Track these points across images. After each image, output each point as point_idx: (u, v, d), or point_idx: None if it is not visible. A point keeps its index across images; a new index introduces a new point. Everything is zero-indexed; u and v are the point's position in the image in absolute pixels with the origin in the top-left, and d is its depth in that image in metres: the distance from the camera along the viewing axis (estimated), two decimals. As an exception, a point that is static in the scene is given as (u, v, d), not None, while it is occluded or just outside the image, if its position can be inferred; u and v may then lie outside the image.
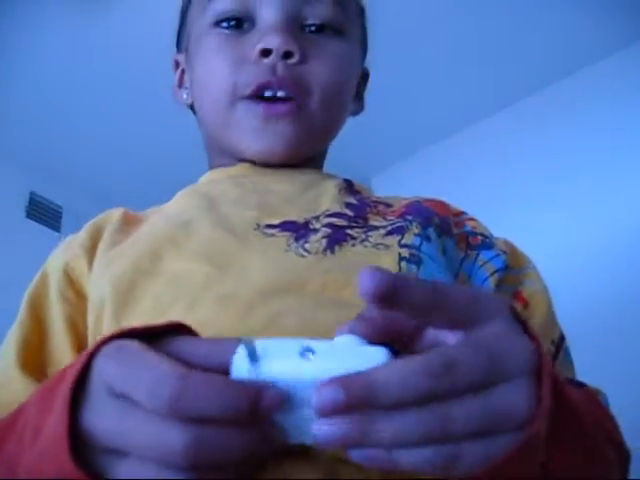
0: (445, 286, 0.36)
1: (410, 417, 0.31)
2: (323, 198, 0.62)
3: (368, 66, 0.78)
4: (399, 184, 2.88)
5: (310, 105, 0.65)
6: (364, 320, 0.37)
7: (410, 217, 0.59)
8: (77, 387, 0.36)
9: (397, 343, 0.37)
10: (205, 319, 0.48)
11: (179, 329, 0.39)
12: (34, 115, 2.67)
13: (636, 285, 2.07)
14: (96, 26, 2.30)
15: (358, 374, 0.32)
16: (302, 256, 0.53)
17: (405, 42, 2.40)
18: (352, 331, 0.37)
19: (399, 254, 0.54)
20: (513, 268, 0.62)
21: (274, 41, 0.63)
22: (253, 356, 0.34)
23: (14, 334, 0.57)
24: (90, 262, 0.59)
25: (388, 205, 0.63)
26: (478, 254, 0.61)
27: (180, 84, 0.77)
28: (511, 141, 2.64)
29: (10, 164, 2.86)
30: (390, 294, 0.33)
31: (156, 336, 0.38)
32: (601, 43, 2.44)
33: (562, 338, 0.61)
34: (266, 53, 0.64)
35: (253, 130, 0.65)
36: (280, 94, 0.64)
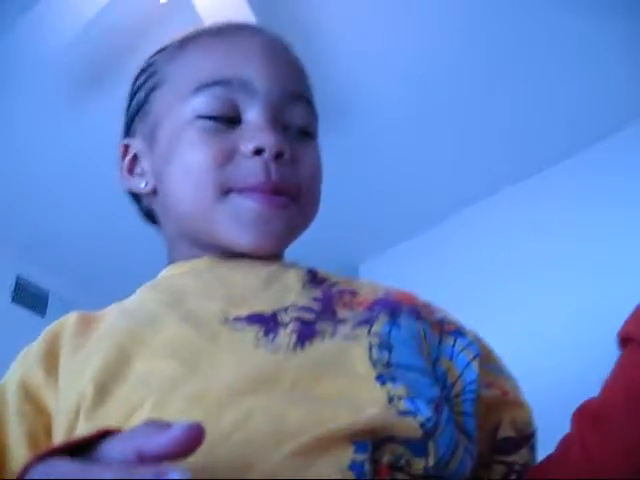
0: None
1: None
2: (288, 292, 0.61)
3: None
4: (387, 271, 2.89)
5: (298, 204, 0.68)
6: None
7: (378, 308, 0.59)
8: None
9: None
10: (174, 420, 0.47)
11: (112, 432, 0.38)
12: (22, 199, 2.69)
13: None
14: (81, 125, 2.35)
15: None
16: (272, 352, 0.52)
17: (387, 133, 2.46)
18: None
19: (369, 343, 0.53)
20: (486, 363, 0.62)
21: (268, 140, 0.65)
22: None
23: None
24: (49, 372, 0.58)
25: (354, 294, 0.63)
26: (456, 339, 0.61)
27: (131, 171, 0.75)
28: (497, 228, 2.67)
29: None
30: None
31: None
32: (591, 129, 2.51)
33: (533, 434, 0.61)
34: (258, 152, 0.65)
35: (245, 224, 0.65)
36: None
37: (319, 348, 0.53)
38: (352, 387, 0.50)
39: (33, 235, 2.84)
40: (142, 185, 0.73)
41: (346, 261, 2.91)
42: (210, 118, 0.67)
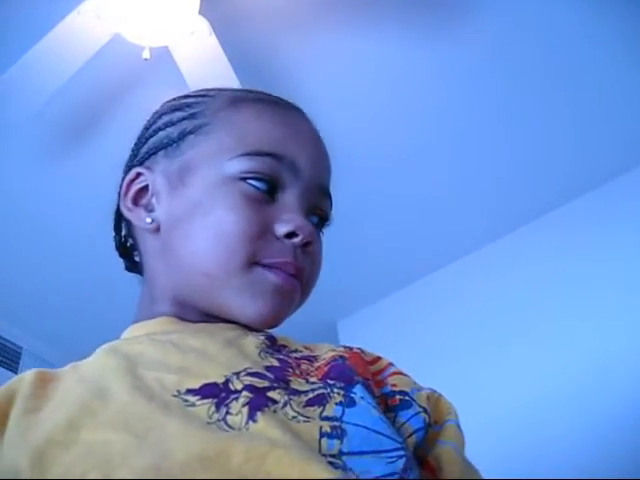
0: None
1: None
2: (243, 357, 0.60)
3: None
4: (366, 328, 2.89)
5: (303, 290, 0.70)
6: None
7: (332, 382, 0.58)
8: None
9: None
10: None
11: None
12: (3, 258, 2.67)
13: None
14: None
15: None
16: (224, 430, 0.50)
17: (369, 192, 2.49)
18: None
19: (320, 428, 0.52)
20: (436, 423, 0.61)
21: (303, 228, 0.68)
22: None
23: None
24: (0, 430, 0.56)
25: (311, 360, 0.63)
26: (396, 416, 0.59)
27: (136, 201, 0.73)
28: (476, 285, 2.68)
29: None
30: None
31: None
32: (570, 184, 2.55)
33: None
34: (291, 236, 0.67)
35: (260, 295, 0.66)
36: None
37: (271, 424, 0.51)
38: (304, 469, 0.47)
39: (7, 292, 2.80)
40: (148, 220, 0.72)
41: (324, 319, 2.91)
42: (256, 183, 0.68)
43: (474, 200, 2.57)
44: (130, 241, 0.79)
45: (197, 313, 0.70)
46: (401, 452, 0.52)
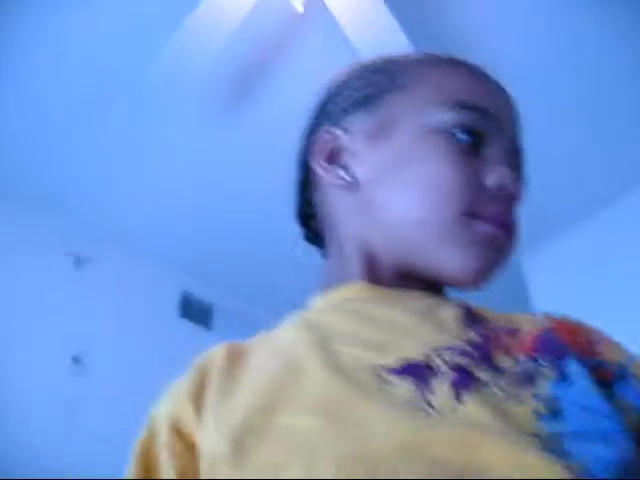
0: None
1: None
2: (443, 331, 0.57)
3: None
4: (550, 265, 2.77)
5: (508, 244, 0.67)
6: None
7: (540, 357, 0.53)
8: None
9: None
10: None
11: None
12: (186, 218, 2.82)
13: None
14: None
15: None
16: (428, 414, 0.47)
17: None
18: None
19: (534, 408, 0.47)
20: None
21: (513, 181, 0.65)
22: None
23: None
24: (198, 412, 0.57)
25: (514, 333, 0.57)
26: (612, 391, 0.53)
27: (331, 160, 0.72)
28: None
29: (162, 265, 3.02)
30: None
31: None
32: None
33: None
34: (500, 187, 0.65)
35: (474, 248, 0.64)
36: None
37: (478, 403, 0.47)
38: (518, 458, 0.43)
39: (196, 250, 2.96)
40: (348, 178, 0.70)
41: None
42: (462, 135, 0.66)
43: None
44: (308, 208, 0.79)
45: (391, 275, 0.68)
46: (624, 435, 0.47)
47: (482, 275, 0.65)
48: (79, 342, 2.66)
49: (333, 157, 0.72)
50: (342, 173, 0.71)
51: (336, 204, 0.73)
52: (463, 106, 0.67)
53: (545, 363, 0.52)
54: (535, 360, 0.53)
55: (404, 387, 0.50)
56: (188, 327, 3.00)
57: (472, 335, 0.56)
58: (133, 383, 2.39)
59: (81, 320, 2.70)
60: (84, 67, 2.27)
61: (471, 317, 0.60)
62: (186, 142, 2.54)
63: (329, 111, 0.76)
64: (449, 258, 0.64)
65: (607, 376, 0.54)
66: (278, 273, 2.89)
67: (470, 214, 0.64)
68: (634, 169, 2.57)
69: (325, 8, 1.91)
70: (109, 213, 2.83)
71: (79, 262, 2.84)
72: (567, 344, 0.55)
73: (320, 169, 0.73)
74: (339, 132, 0.73)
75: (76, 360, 2.64)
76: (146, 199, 2.77)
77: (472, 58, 0.74)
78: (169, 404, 0.60)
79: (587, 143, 2.49)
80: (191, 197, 2.75)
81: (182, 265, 3.03)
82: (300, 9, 1.83)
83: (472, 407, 0.47)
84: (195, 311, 3.06)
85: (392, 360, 0.53)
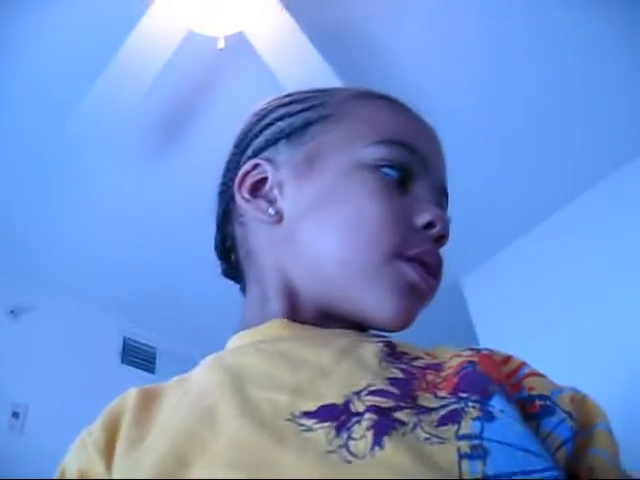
0: None
1: None
2: (362, 369, 0.55)
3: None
4: (488, 284, 2.81)
5: (434, 286, 0.65)
6: None
7: (465, 395, 0.51)
8: None
9: None
10: None
11: None
12: (122, 263, 2.77)
13: None
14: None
15: None
16: (345, 460, 0.45)
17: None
18: None
19: (458, 449, 0.45)
20: (583, 428, 0.52)
21: (440, 218, 0.64)
22: None
23: None
24: (108, 463, 0.55)
25: (437, 369, 0.56)
26: (538, 425, 0.51)
27: (254, 193, 0.70)
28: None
29: (104, 309, 2.96)
30: None
31: None
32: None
33: None
34: (429, 227, 0.64)
35: (400, 294, 0.62)
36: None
37: (400, 447, 0.46)
38: None
39: (135, 295, 2.92)
40: (271, 211, 0.68)
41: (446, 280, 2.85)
42: (390, 171, 0.65)
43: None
44: (228, 242, 0.76)
45: (313, 312, 0.66)
46: (554, 472, 0.45)
47: (407, 319, 0.63)
48: (18, 395, 2.58)
49: (256, 189, 0.70)
50: (265, 206, 0.69)
51: (258, 238, 0.71)
52: (391, 142, 0.66)
53: (470, 401, 0.50)
54: (459, 398, 0.51)
55: (322, 433, 0.48)
56: (132, 373, 2.95)
57: (394, 371, 0.54)
58: (75, 435, 2.33)
59: (20, 372, 2.61)
60: (7, 115, 2.23)
61: (394, 354, 0.58)
62: (117, 185, 2.52)
63: (252, 142, 0.74)
64: (374, 302, 0.62)
65: (534, 410, 0.53)
66: (221, 314, 2.85)
67: (397, 254, 0.62)
68: (568, 185, 2.63)
69: (248, 44, 1.91)
70: (44, 261, 2.77)
71: (15, 313, 2.76)
72: (492, 379, 0.53)
73: (242, 201, 0.70)
74: (263, 163, 0.71)
75: (16, 415, 2.56)
76: (80, 245, 2.73)
77: (398, 93, 0.74)
78: (76, 457, 0.58)
79: (517, 163, 2.53)
80: (126, 241, 2.72)
81: (122, 310, 2.99)
82: (221, 45, 1.84)
83: (391, 451, 0.45)
84: (137, 356, 3.02)
85: (311, 404, 0.50)
